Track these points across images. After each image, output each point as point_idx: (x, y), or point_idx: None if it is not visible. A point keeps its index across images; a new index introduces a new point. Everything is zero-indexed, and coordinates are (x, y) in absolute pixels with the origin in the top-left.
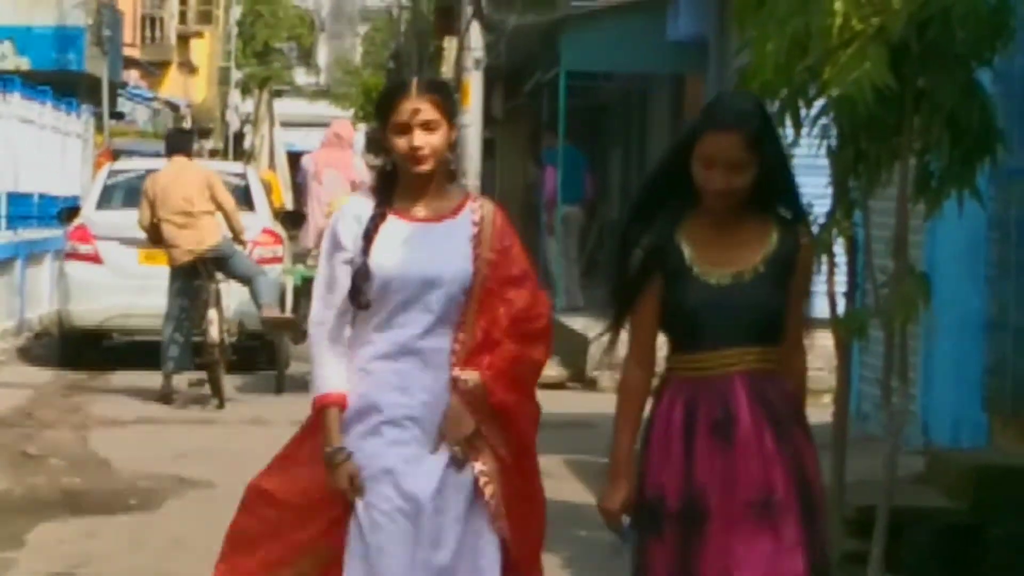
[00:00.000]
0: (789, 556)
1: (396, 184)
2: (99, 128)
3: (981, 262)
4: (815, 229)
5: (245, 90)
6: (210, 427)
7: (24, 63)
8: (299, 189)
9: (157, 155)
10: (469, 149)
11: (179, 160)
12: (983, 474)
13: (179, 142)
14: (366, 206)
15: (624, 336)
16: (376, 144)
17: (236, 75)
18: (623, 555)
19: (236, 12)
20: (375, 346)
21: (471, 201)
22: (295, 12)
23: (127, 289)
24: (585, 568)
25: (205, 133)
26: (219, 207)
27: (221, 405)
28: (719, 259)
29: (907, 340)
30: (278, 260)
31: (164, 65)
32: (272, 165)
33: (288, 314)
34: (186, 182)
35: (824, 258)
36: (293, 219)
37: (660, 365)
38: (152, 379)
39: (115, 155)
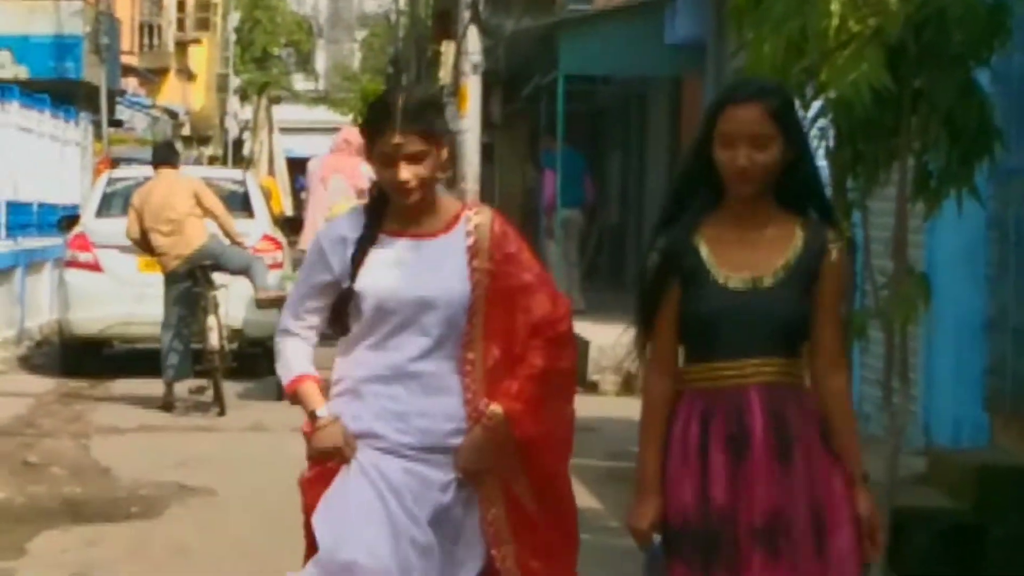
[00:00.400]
0: None
1: (387, 204)
2: (98, 136)
3: (981, 262)
4: None
5: (244, 97)
6: (211, 434)
7: (22, 72)
8: (299, 195)
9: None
10: (468, 154)
11: (165, 171)
12: (985, 474)
13: (165, 154)
14: (354, 225)
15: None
16: None
17: (235, 82)
18: (656, 574)
19: (234, 19)
20: (367, 368)
21: (466, 211)
22: (293, 18)
23: (127, 297)
24: (588, 572)
25: (204, 140)
26: (210, 214)
27: (222, 412)
28: (738, 262)
29: (907, 341)
30: (278, 266)
31: (162, 72)
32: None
33: (282, 291)
34: (170, 191)
35: None
36: (293, 225)
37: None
38: (152, 387)
39: (114, 163)
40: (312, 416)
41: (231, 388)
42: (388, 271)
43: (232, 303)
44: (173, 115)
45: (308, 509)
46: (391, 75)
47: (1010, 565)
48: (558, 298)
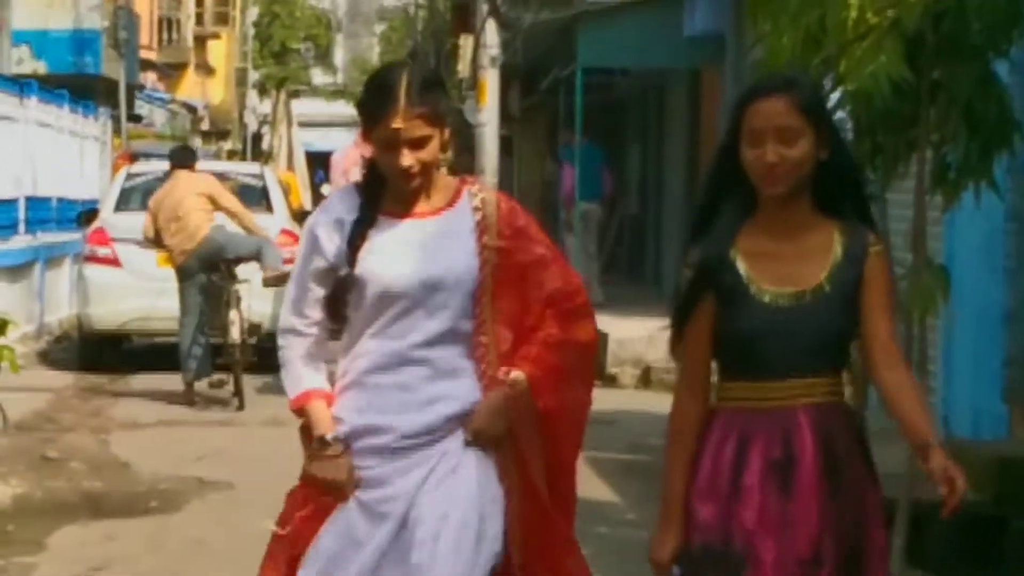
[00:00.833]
0: None
1: (384, 183)
2: (117, 131)
3: (1000, 254)
4: None
5: (262, 91)
6: (230, 429)
7: (41, 67)
8: (318, 189)
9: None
10: (487, 147)
11: (180, 173)
12: (1004, 466)
13: (180, 157)
14: (350, 207)
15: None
16: None
17: (253, 76)
18: None
19: (253, 13)
20: (370, 357)
21: (467, 187)
22: (311, 12)
23: (146, 291)
24: (605, 565)
25: (223, 134)
26: (227, 213)
27: (241, 406)
28: (779, 275)
29: (926, 333)
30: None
31: (181, 67)
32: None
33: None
34: (184, 192)
35: None
36: None
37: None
38: (172, 381)
39: (133, 158)
40: (320, 441)
41: (250, 382)
42: (391, 254)
43: (254, 298)
44: (192, 110)
45: (284, 522)
46: None
47: None
48: (570, 271)
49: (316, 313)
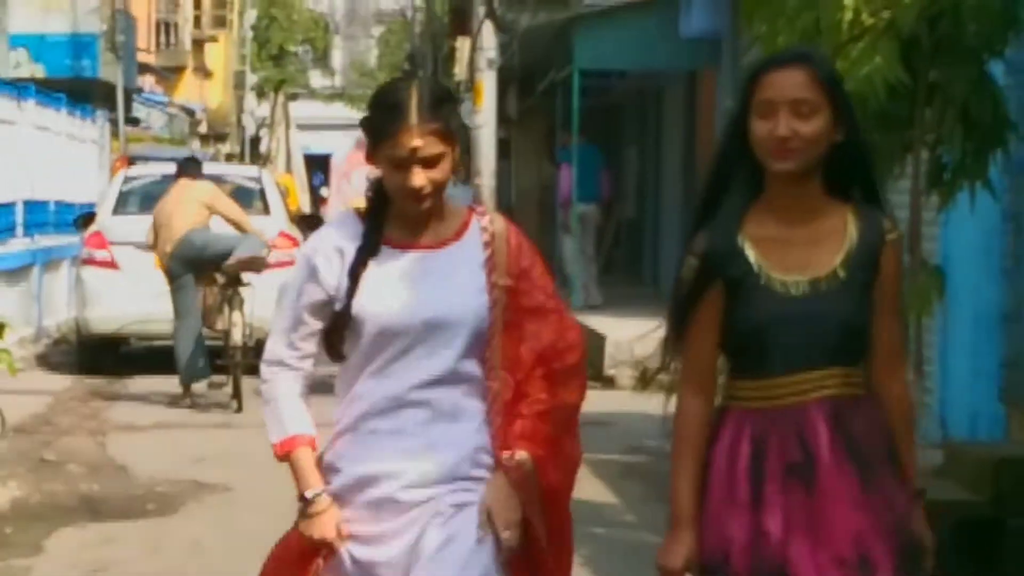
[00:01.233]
0: None
1: (387, 208)
2: (114, 134)
3: (995, 254)
4: None
5: (260, 94)
6: (228, 431)
7: (39, 70)
8: (316, 192)
9: (173, 160)
10: (484, 149)
11: (181, 182)
12: (1002, 466)
13: (184, 167)
14: (350, 234)
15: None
16: None
17: (251, 79)
18: None
19: (251, 16)
20: (367, 400)
21: (476, 217)
22: (309, 15)
23: (144, 295)
24: (603, 567)
25: (221, 137)
26: (226, 219)
27: (240, 408)
28: (791, 262)
29: (923, 333)
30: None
31: (179, 70)
32: (289, 168)
33: (254, 253)
34: (176, 197)
35: None
36: (310, 222)
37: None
38: (169, 384)
39: (131, 161)
40: (302, 499)
41: (249, 384)
42: (391, 290)
43: (256, 301)
44: (190, 113)
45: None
46: (408, 71)
47: None
48: (568, 325)
49: (310, 347)
